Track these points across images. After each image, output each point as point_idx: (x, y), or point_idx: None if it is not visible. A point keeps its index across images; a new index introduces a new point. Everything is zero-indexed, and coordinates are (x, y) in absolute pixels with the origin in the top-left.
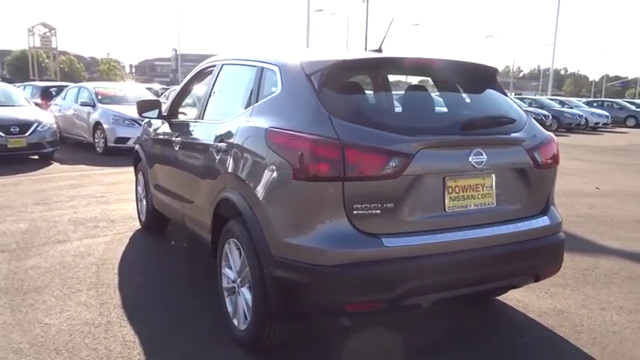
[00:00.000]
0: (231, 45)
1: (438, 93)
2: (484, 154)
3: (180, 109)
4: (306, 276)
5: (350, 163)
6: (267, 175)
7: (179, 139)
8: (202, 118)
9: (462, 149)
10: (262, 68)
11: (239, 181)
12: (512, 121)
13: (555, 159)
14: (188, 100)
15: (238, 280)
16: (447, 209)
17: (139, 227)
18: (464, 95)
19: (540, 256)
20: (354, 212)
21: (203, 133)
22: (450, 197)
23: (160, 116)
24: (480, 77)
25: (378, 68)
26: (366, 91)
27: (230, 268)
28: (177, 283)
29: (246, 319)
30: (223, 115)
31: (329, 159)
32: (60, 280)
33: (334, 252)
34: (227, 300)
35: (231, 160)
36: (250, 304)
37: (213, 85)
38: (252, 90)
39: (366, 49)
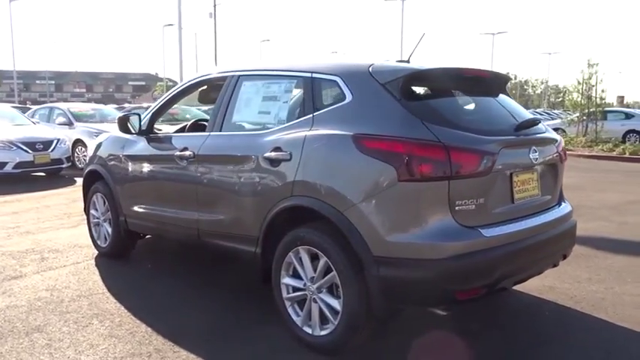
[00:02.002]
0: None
1: (482, 99)
2: (537, 152)
3: (156, 125)
4: (417, 270)
5: (454, 163)
6: (364, 179)
7: (187, 153)
8: (221, 131)
9: (524, 148)
10: (313, 78)
11: (318, 187)
12: (540, 122)
13: (566, 155)
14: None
15: (313, 287)
16: (514, 201)
17: (96, 254)
18: (499, 100)
19: (568, 237)
20: (456, 208)
21: (236, 144)
22: (516, 190)
23: (141, 132)
24: (502, 84)
25: (446, 77)
26: (440, 98)
27: (294, 276)
28: (190, 301)
29: (323, 325)
30: (261, 126)
31: (436, 160)
32: (55, 316)
33: (444, 245)
34: (290, 309)
35: (302, 167)
36: (339, 307)
37: (231, 97)
38: (302, 100)
39: (216, 63)
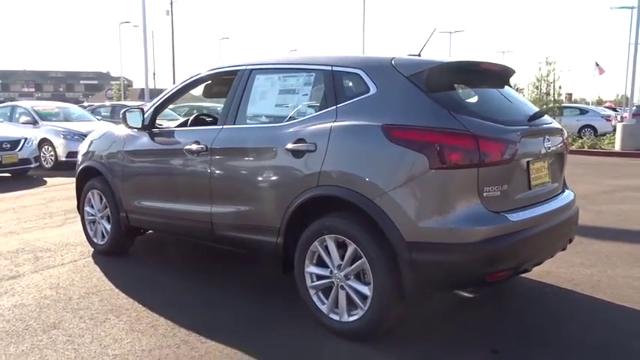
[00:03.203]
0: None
1: (495, 91)
2: (550, 141)
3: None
4: (449, 254)
5: (483, 152)
6: (394, 168)
7: (198, 146)
8: (235, 124)
9: (539, 137)
10: (334, 72)
11: (347, 176)
12: (545, 114)
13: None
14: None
15: (340, 274)
16: (531, 187)
17: (92, 251)
18: (508, 92)
19: (573, 222)
20: (484, 194)
21: (254, 137)
22: (532, 178)
23: (144, 127)
24: (508, 77)
25: (465, 70)
26: (461, 90)
27: (319, 265)
28: (204, 294)
29: (351, 311)
30: (279, 119)
31: (466, 149)
32: (68, 313)
33: (475, 230)
34: (315, 297)
35: (328, 158)
36: (369, 293)
37: (244, 90)
38: (324, 92)
39: (173, 60)
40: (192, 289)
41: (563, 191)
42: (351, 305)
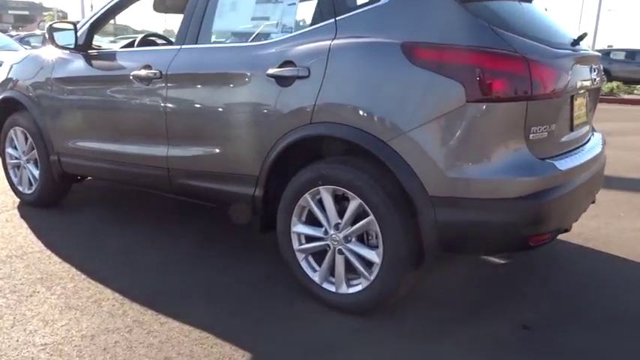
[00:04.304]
0: None
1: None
2: (595, 71)
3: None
4: (487, 213)
5: (535, 80)
6: (417, 99)
7: (150, 72)
8: (197, 43)
9: (586, 65)
10: None
11: (351, 111)
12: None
13: None
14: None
15: (339, 235)
16: (573, 128)
17: (18, 202)
18: (541, 11)
19: (603, 170)
20: (531, 136)
21: (223, 59)
22: (575, 116)
23: (78, 47)
24: None
25: None
26: (498, 1)
27: (309, 223)
28: (159, 256)
29: (351, 280)
30: (257, 36)
31: (516, 76)
32: None
33: (520, 181)
34: (303, 263)
35: (326, 86)
36: (377, 259)
37: (207, 3)
38: (317, 1)
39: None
40: (144, 251)
41: (593, 133)
42: (351, 273)
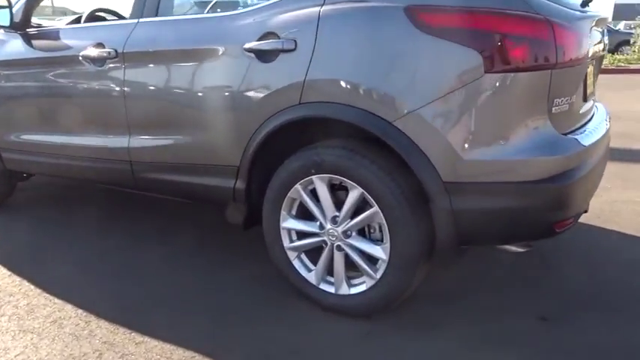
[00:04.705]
0: None
1: None
2: (607, 35)
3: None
4: (508, 198)
5: (559, 46)
6: (427, 72)
7: (103, 51)
8: (157, 15)
9: (599, 29)
10: None
11: (349, 88)
12: None
13: None
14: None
15: (337, 230)
16: (587, 98)
17: None
18: None
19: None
20: (553, 109)
21: (190, 33)
22: (588, 84)
23: (16, 25)
24: None
25: None
26: None
27: (301, 217)
28: (129, 259)
29: (353, 279)
30: (232, 5)
31: (540, 42)
32: None
33: (545, 161)
34: (296, 262)
35: (317, 60)
36: (384, 255)
37: None
38: None
39: None
40: (106, 256)
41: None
42: (352, 271)
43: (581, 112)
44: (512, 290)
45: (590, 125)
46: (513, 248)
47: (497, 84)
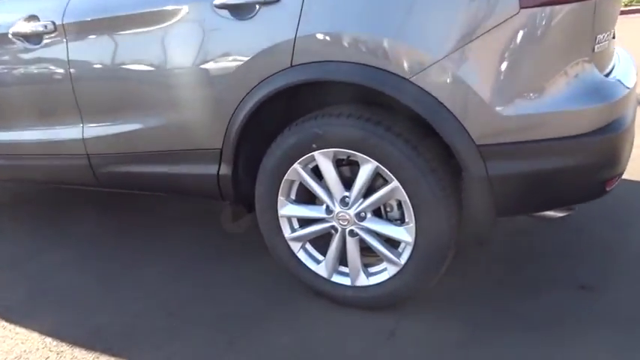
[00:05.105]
0: None
1: None
2: None
3: None
4: (554, 158)
5: None
6: (452, 14)
7: (38, 25)
8: None
9: None
10: None
11: (351, 42)
12: None
13: None
14: None
15: (348, 213)
16: (615, 35)
17: None
18: None
19: None
20: (596, 48)
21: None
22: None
23: None
24: None
25: None
26: None
27: (302, 202)
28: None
29: (370, 267)
30: None
31: None
32: None
33: (595, 110)
34: (301, 254)
35: (308, 12)
36: (409, 237)
37: None
38: None
39: None
40: (67, 268)
41: None
42: (368, 257)
43: (610, 50)
44: (547, 260)
45: (620, 67)
46: (553, 214)
47: (537, 21)
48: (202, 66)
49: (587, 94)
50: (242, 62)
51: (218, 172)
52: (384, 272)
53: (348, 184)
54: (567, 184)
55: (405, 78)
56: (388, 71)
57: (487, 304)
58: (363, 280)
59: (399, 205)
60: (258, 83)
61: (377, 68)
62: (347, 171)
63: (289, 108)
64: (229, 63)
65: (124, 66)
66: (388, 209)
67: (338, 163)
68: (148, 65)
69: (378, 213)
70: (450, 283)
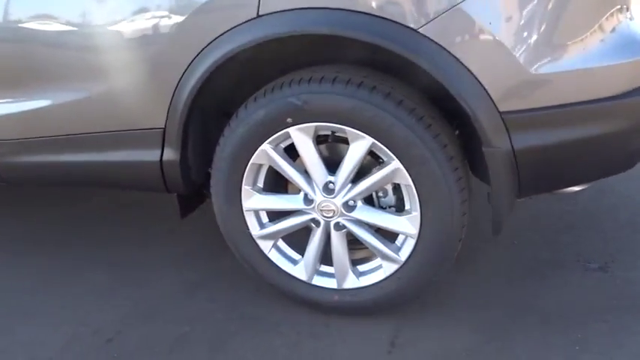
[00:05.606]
0: None
1: None
2: None
3: None
4: (592, 123)
5: None
6: None
7: None
8: None
9: None
10: None
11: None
12: None
13: None
14: None
15: (334, 202)
16: None
17: None
18: None
19: None
20: None
21: None
22: None
23: None
24: None
25: None
26: None
27: (272, 191)
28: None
29: (359, 265)
30: None
31: None
32: None
33: (635, 64)
34: (273, 254)
35: None
36: (412, 228)
37: None
38: None
39: None
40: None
41: None
42: (356, 254)
43: None
44: (561, 238)
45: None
46: (571, 189)
47: None
48: (133, 19)
49: (627, 46)
50: (188, 12)
51: (161, 157)
52: (378, 271)
53: (330, 167)
54: (601, 155)
55: (412, 28)
56: (390, 20)
57: (499, 302)
58: (352, 282)
59: (395, 188)
60: (212, 41)
61: (374, 16)
62: (326, 150)
63: (254, 73)
64: (171, 14)
65: (23, 24)
66: (381, 194)
67: (326, 141)
68: (58, 22)
69: (370, 201)
70: (455, 280)
